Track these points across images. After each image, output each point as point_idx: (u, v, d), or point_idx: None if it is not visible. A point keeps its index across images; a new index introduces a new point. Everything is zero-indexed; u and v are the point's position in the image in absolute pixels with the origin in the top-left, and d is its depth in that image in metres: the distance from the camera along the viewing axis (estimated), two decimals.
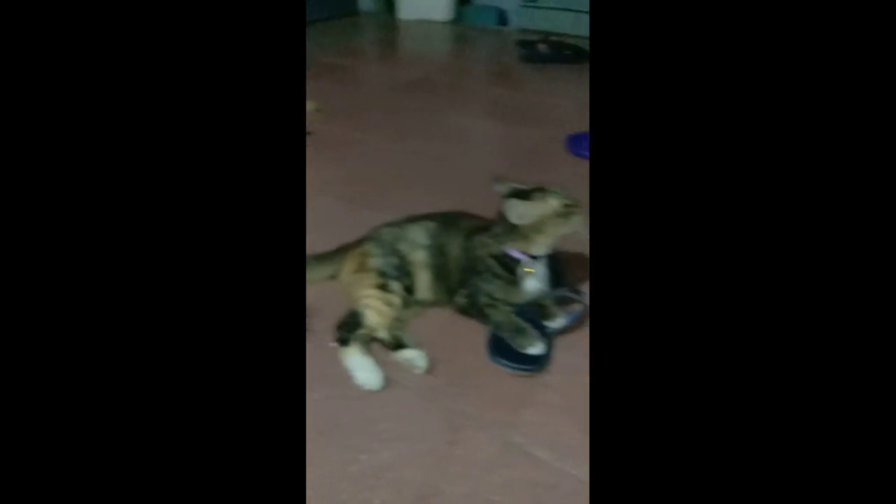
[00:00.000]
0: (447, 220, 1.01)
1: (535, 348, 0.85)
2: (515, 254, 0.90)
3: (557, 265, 1.02)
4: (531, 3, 3.17)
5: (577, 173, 1.50)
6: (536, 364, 0.84)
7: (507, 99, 2.17)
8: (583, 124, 1.69)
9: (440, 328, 0.94)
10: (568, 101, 2.09)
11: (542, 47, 2.55)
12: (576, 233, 0.89)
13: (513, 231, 0.89)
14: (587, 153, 1.57)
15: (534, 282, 0.91)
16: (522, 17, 3.20)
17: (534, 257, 0.90)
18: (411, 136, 1.74)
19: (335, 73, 2.36)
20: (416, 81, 2.31)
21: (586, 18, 2.96)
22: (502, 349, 0.87)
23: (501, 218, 0.90)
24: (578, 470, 0.71)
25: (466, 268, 0.95)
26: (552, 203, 0.88)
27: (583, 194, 1.44)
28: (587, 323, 0.95)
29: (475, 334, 0.91)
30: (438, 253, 0.97)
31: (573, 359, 0.88)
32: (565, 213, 0.88)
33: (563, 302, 0.97)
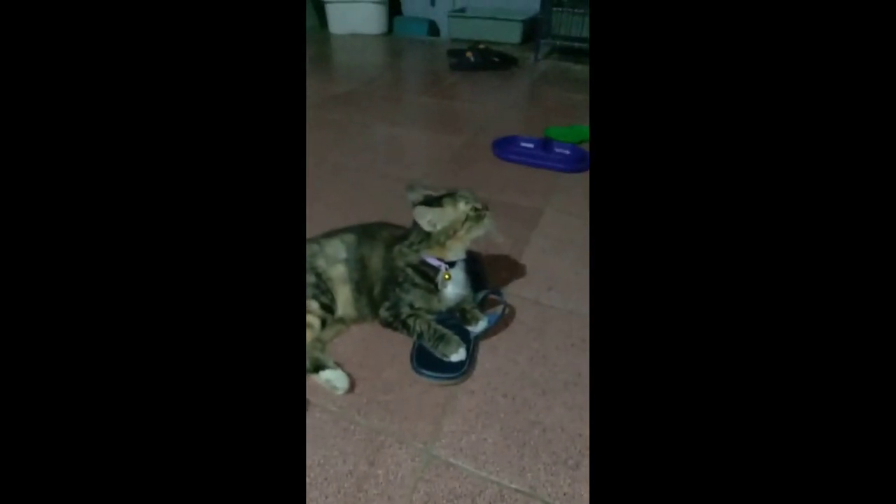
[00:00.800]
0: (367, 232, 0.99)
1: (457, 355, 0.84)
2: (432, 261, 0.89)
3: (476, 267, 1.02)
4: (459, 14, 3.22)
5: (504, 176, 1.52)
6: (459, 371, 0.83)
7: (435, 107, 2.18)
8: (507, 128, 1.72)
9: (363, 344, 0.91)
10: (494, 106, 2.13)
11: (469, 55, 2.60)
12: (488, 234, 0.89)
13: (427, 238, 0.88)
14: (512, 156, 1.60)
15: (453, 287, 0.90)
16: (452, 27, 3.25)
17: (451, 263, 0.89)
18: (335, 150, 1.70)
19: None
20: (343, 95, 2.29)
21: (514, 26, 3.05)
22: (425, 359, 0.85)
23: (415, 226, 0.89)
24: (500, 475, 0.70)
25: (388, 279, 0.93)
26: (462, 207, 0.88)
27: (506, 196, 1.52)
28: (510, 323, 0.95)
29: (400, 348, 0.89)
30: (358, 266, 0.95)
31: (495, 361, 0.88)
32: (475, 216, 0.88)
33: (485, 304, 0.96)
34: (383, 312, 0.92)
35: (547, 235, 1.23)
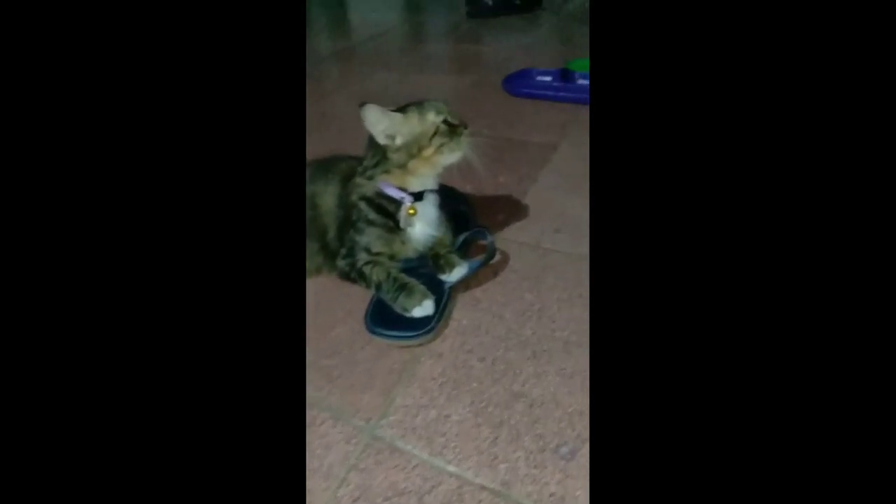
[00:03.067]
0: (322, 167, 0.80)
1: (421, 308, 0.65)
2: (391, 192, 0.69)
3: (461, 207, 0.81)
4: None
5: (514, 112, 1.29)
6: (423, 329, 0.64)
7: (442, 52, 1.96)
8: (520, 65, 1.47)
9: (313, 300, 0.73)
10: (510, 47, 1.87)
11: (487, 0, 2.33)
12: (467, 160, 0.69)
13: (384, 160, 0.68)
14: (523, 89, 1.36)
15: (421, 227, 0.71)
16: None
17: (417, 195, 0.70)
18: (326, 100, 1.53)
19: None
20: (348, 48, 2.11)
21: None
22: (382, 316, 0.66)
23: (370, 145, 0.70)
24: (461, 466, 0.50)
25: (343, 220, 0.74)
26: (430, 118, 0.67)
27: (516, 133, 1.28)
28: (500, 272, 0.75)
29: (359, 303, 0.71)
30: (309, 206, 0.77)
31: (475, 317, 0.68)
32: (448, 132, 0.67)
33: (469, 250, 0.76)
34: (339, 262, 0.74)
35: (559, 172, 1.00)
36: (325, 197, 0.77)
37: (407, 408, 0.56)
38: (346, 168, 0.77)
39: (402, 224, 0.69)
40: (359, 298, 0.72)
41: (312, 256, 0.76)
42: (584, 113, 1.25)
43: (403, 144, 0.67)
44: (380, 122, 0.65)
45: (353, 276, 0.73)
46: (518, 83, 1.38)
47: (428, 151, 0.67)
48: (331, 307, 0.72)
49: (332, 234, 0.76)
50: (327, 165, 0.80)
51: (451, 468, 0.50)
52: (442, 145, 0.67)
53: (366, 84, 1.64)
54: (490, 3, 2.32)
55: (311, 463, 0.52)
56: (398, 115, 0.66)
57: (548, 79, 1.39)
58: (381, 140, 0.66)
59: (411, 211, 0.69)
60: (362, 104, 0.65)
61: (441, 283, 0.70)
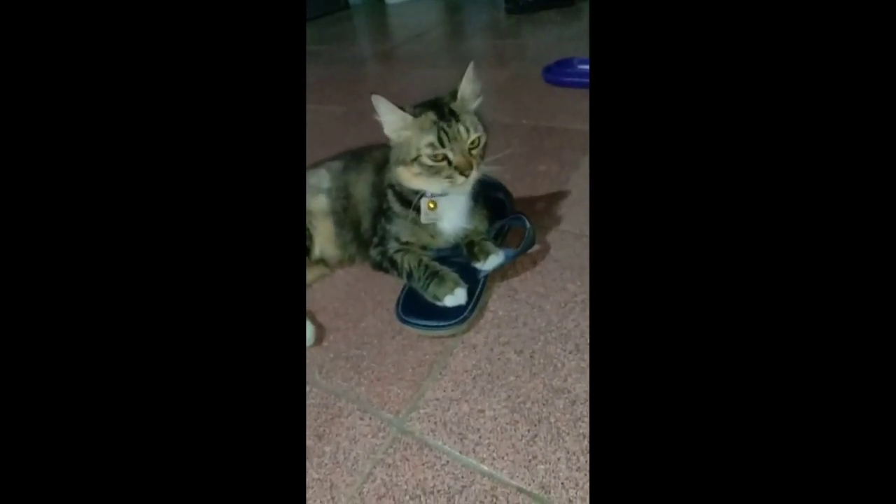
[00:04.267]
0: (356, 156, 0.79)
1: (453, 297, 0.61)
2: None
3: (496, 194, 0.77)
4: None
5: (555, 101, 1.23)
6: (455, 318, 0.60)
7: (481, 48, 1.93)
8: (559, 55, 1.41)
9: (346, 290, 0.72)
10: (550, 40, 1.81)
11: None
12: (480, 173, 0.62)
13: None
14: (564, 78, 1.30)
15: (452, 219, 0.66)
16: None
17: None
18: (364, 98, 1.53)
19: (309, 58, 2.21)
20: (388, 50, 2.12)
21: None
22: (413, 305, 0.63)
23: None
24: (495, 465, 0.46)
25: (377, 210, 0.72)
26: (423, 140, 0.59)
27: (557, 122, 1.20)
28: (539, 261, 0.70)
29: (390, 294, 0.68)
30: (341, 195, 0.75)
31: (512, 308, 0.63)
32: (429, 168, 0.60)
33: (504, 237, 0.72)
34: (372, 251, 0.72)
35: None
36: (357, 186, 0.75)
37: (438, 401, 0.53)
38: (380, 156, 0.75)
39: (422, 219, 0.65)
40: (389, 289, 0.69)
41: (346, 246, 0.75)
42: None
43: (396, 146, 0.63)
44: (384, 116, 0.62)
45: (385, 265, 0.70)
46: (559, 72, 1.33)
47: (411, 169, 0.62)
48: (361, 297, 0.69)
49: (365, 223, 0.74)
50: (360, 155, 0.78)
51: (485, 467, 0.46)
52: (419, 174, 0.61)
53: (404, 81, 1.63)
54: None
55: (337, 456, 0.49)
56: (398, 113, 0.61)
57: (588, 67, 1.32)
58: (387, 132, 0.63)
59: (431, 205, 0.65)
60: (373, 94, 0.62)
61: (476, 271, 0.65)
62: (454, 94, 0.63)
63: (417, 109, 0.63)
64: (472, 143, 0.60)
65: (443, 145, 0.59)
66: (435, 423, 0.51)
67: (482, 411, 0.51)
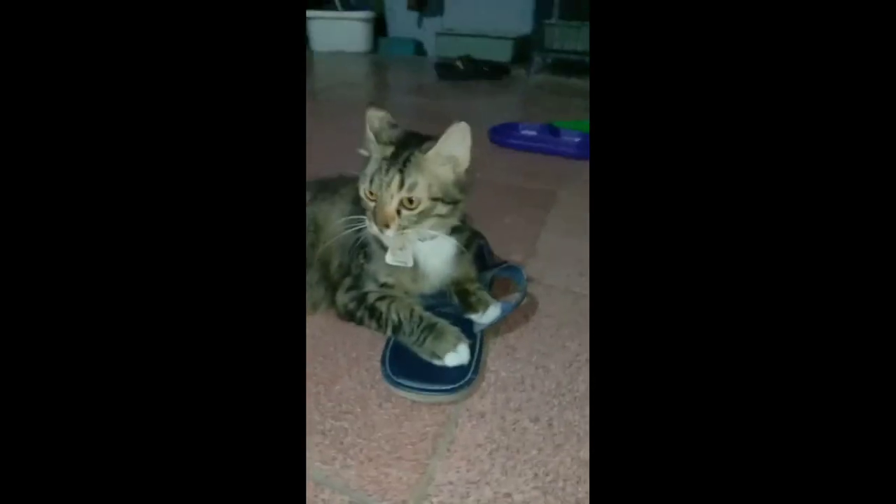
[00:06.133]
0: (326, 186, 0.69)
1: (456, 355, 0.53)
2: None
3: (478, 238, 0.72)
4: (447, 32, 3.09)
5: (506, 161, 1.25)
6: (458, 381, 0.51)
7: (419, 105, 1.96)
8: (500, 121, 1.48)
9: (310, 343, 0.59)
10: (487, 107, 1.91)
11: (459, 64, 2.42)
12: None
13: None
14: (511, 140, 1.35)
15: (433, 264, 0.59)
16: (440, 47, 3.10)
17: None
18: None
19: None
20: (316, 91, 2.05)
21: (504, 44, 2.91)
22: (404, 364, 0.53)
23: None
24: None
25: (352, 247, 0.62)
26: (388, 150, 0.54)
27: (512, 180, 1.19)
28: (531, 317, 0.65)
29: (365, 348, 0.58)
30: (309, 229, 0.64)
31: (515, 369, 0.56)
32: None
33: (489, 286, 0.66)
34: (341, 296, 0.61)
35: (567, 217, 0.95)
36: (329, 218, 0.64)
37: (453, 486, 0.43)
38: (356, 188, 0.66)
39: (388, 258, 0.56)
40: (365, 343, 0.58)
41: (311, 289, 0.63)
42: (573, 165, 1.24)
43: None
44: (372, 119, 0.56)
45: (360, 314, 0.60)
46: (506, 134, 1.37)
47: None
48: (331, 354, 0.57)
49: (336, 263, 0.63)
50: (331, 186, 0.69)
51: None
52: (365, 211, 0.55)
53: (333, 132, 1.57)
54: (461, 67, 2.41)
55: None
56: (371, 137, 0.55)
57: (533, 132, 1.40)
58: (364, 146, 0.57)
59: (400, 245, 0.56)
60: (370, 104, 0.57)
61: (470, 325, 0.58)
62: (427, 147, 0.53)
63: (394, 135, 0.56)
64: (402, 202, 0.52)
65: (371, 184, 0.53)
66: None
67: (509, 495, 0.42)
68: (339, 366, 0.56)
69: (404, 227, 0.52)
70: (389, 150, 0.53)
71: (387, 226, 0.51)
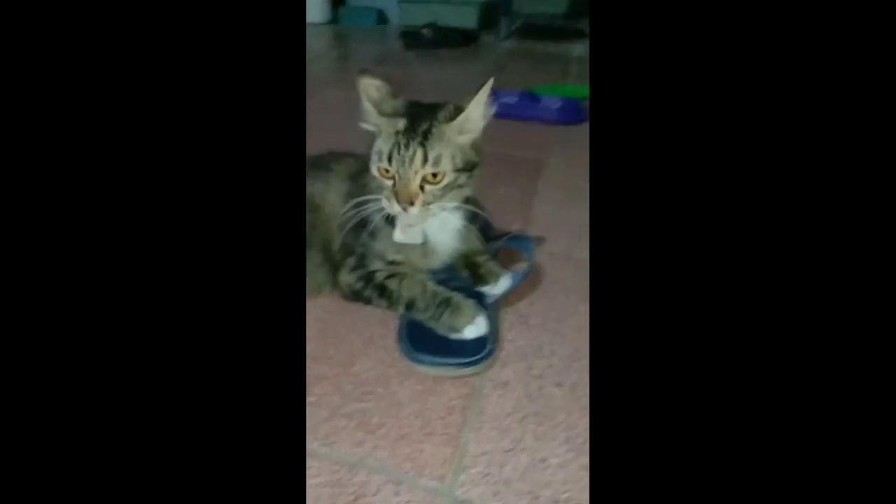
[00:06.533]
0: (319, 163, 0.65)
1: (475, 327, 0.52)
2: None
3: (480, 209, 0.71)
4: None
5: (490, 129, 1.23)
6: (479, 352, 0.51)
7: (386, 77, 1.88)
8: (474, 88, 1.44)
9: (318, 326, 0.57)
10: (458, 75, 1.87)
11: (426, 32, 2.34)
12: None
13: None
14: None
15: (444, 234, 0.57)
16: (404, 14, 2.98)
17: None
18: None
19: None
20: None
21: (470, 10, 2.82)
22: (422, 339, 0.52)
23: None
24: None
25: (354, 225, 0.59)
26: (399, 123, 0.51)
27: (500, 148, 1.12)
28: (538, 284, 0.65)
29: (377, 328, 0.56)
30: (308, 210, 0.61)
31: (530, 336, 0.57)
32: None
33: (498, 255, 0.65)
34: (346, 276, 0.59)
35: (559, 184, 0.95)
36: (327, 197, 0.62)
37: (488, 456, 0.43)
38: (354, 163, 0.64)
39: (395, 236, 0.55)
40: (377, 321, 0.57)
41: (313, 272, 0.60)
42: (556, 131, 1.24)
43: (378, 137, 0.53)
44: (366, 91, 0.54)
45: (368, 293, 0.58)
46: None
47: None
48: (343, 335, 0.56)
49: (337, 243, 0.61)
50: (322, 163, 0.65)
51: None
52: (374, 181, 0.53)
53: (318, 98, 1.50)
54: (428, 35, 2.33)
55: None
56: (369, 109, 0.53)
57: (514, 100, 1.37)
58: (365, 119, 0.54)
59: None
60: (362, 70, 0.54)
61: (481, 297, 0.58)
62: (453, 115, 0.52)
63: (398, 106, 0.54)
64: (425, 177, 0.50)
65: (390, 161, 0.50)
66: (495, 483, 0.41)
67: (544, 460, 0.42)
68: (353, 347, 0.54)
69: (429, 203, 0.50)
70: (402, 123, 0.51)
71: (411, 203, 0.49)
